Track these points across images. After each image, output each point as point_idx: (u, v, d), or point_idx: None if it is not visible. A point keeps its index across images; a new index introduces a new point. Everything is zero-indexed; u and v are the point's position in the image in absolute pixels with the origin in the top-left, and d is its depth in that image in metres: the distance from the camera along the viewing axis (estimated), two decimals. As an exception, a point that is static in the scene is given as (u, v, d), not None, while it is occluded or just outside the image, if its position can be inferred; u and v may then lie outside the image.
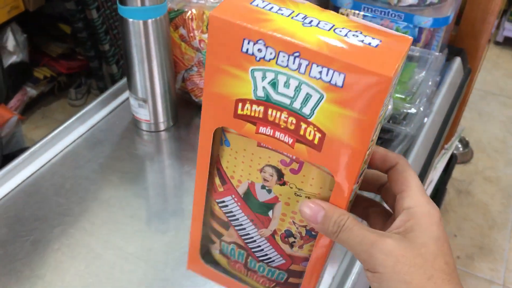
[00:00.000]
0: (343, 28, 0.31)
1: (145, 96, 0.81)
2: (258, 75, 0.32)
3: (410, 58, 0.84)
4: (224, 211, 0.41)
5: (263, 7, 0.32)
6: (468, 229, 1.80)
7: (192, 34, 0.80)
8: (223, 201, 0.40)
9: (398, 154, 0.37)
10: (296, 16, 0.31)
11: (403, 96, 0.76)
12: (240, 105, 0.34)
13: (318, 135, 0.32)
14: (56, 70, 2.16)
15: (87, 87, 2.27)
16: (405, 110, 0.74)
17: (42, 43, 2.15)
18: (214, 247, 0.44)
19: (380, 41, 0.30)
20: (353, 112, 0.30)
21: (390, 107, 0.68)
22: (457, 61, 1.02)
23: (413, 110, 0.73)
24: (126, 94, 0.93)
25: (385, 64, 0.29)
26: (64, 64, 2.15)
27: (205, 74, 0.34)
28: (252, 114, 0.34)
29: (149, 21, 0.74)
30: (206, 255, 0.45)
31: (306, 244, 0.39)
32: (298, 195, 0.36)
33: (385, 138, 0.79)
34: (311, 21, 0.31)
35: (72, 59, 2.18)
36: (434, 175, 1.13)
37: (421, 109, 0.74)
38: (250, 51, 0.31)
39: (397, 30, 0.87)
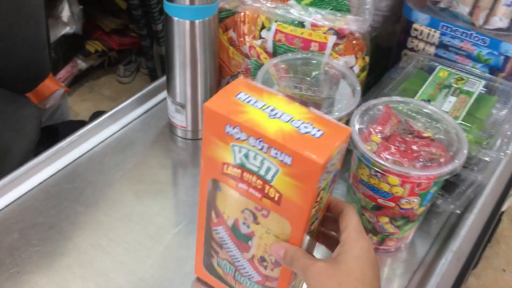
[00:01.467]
0: (298, 120, 0.43)
1: (183, 101, 0.74)
2: (236, 149, 0.45)
3: (490, 91, 0.72)
4: (218, 236, 0.54)
5: (243, 100, 0.45)
6: (520, 265, 1.65)
7: (242, 39, 0.71)
8: (217, 229, 0.53)
9: (345, 202, 0.50)
10: (266, 108, 0.44)
11: (478, 137, 0.65)
12: (225, 166, 0.47)
13: (277, 194, 0.45)
14: (108, 45, 2.12)
15: (137, 65, 2.23)
16: (478, 156, 0.63)
17: (96, 17, 2.12)
18: (214, 260, 0.57)
19: (323, 132, 0.42)
20: (299, 182, 0.43)
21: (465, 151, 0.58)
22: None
23: (487, 158, 0.62)
24: (165, 93, 0.86)
25: (320, 152, 0.41)
26: (116, 40, 2.12)
27: (202, 142, 0.47)
28: (233, 174, 0.47)
29: (197, 21, 0.66)
30: (209, 267, 0.58)
31: (276, 268, 0.51)
32: (268, 233, 0.49)
33: (450, 181, 0.68)
34: (276, 113, 0.44)
35: (125, 35, 2.14)
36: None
37: (501, 155, 0.63)
38: (230, 133, 0.44)
39: (478, 56, 0.75)
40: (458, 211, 0.65)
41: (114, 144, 0.77)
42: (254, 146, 0.43)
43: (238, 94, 0.45)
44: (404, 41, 0.81)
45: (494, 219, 0.77)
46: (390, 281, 0.63)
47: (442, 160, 0.57)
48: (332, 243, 0.51)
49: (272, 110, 0.43)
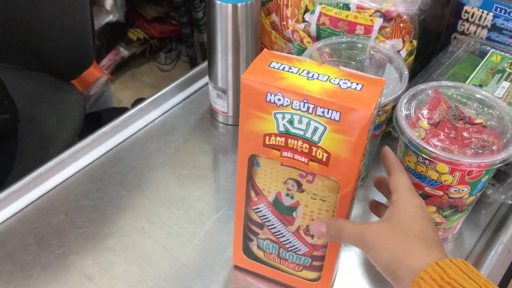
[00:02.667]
0: (335, 78, 0.44)
1: (225, 86, 0.73)
2: (279, 116, 0.45)
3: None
4: (259, 215, 0.54)
5: (278, 68, 0.45)
6: None
7: (285, 23, 0.70)
8: (258, 207, 0.54)
9: (393, 161, 0.51)
10: (302, 72, 0.45)
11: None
12: (267, 138, 0.47)
13: (325, 155, 0.46)
14: (149, 33, 2.14)
15: (177, 53, 2.25)
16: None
17: (138, 5, 2.14)
18: (252, 244, 0.57)
19: (362, 85, 0.44)
20: (348, 137, 0.44)
21: None
22: None
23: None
24: (206, 79, 0.86)
25: (367, 103, 0.42)
26: (157, 28, 2.13)
27: (240, 117, 0.47)
28: (276, 143, 0.47)
29: (239, 4, 0.65)
30: (247, 252, 0.58)
31: None
32: (314, 199, 0.50)
33: (501, 170, 0.65)
34: (313, 75, 0.45)
35: (166, 23, 2.16)
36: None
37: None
38: (272, 101, 0.45)
39: (533, 39, 0.71)
40: (510, 202, 0.62)
41: (156, 130, 0.78)
42: (298, 109, 0.44)
43: (270, 64, 0.46)
44: (454, 24, 0.78)
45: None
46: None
47: (494, 147, 0.55)
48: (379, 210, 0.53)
49: (308, 73, 0.45)
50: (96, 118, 1.61)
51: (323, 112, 0.43)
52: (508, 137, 0.55)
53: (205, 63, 0.86)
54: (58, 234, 0.63)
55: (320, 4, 0.66)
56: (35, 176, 0.68)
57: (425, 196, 0.58)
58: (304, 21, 0.69)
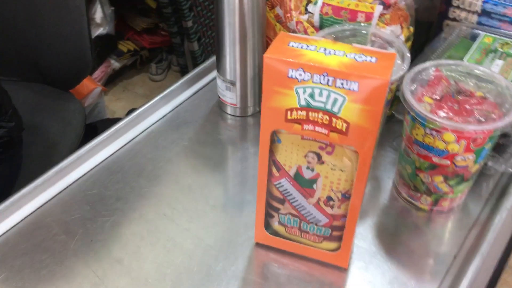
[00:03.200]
0: (351, 53, 0.48)
1: (233, 78, 0.77)
2: (300, 91, 0.49)
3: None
4: (280, 190, 0.57)
5: (297, 47, 0.49)
6: None
7: (289, 15, 0.74)
8: (280, 183, 0.57)
9: None
10: (319, 49, 0.49)
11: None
12: (289, 112, 0.51)
13: (345, 125, 0.49)
14: (139, 44, 2.18)
15: (168, 63, 2.28)
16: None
17: (127, 17, 2.17)
18: (273, 220, 0.61)
19: (376, 59, 0.48)
20: (367, 106, 0.47)
21: None
22: None
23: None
24: (212, 74, 0.89)
25: (383, 72, 0.46)
26: (147, 39, 2.17)
27: (262, 95, 0.51)
28: (298, 117, 0.51)
29: (246, -2, 0.69)
30: (267, 228, 0.61)
31: (342, 204, 0.56)
32: (333, 169, 0.53)
33: (500, 143, 0.70)
34: (330, 51, 0.48)
35: (155, 34, 2.19)
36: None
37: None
38: (293, 76, 0.48)
39: (521, 20, 0.76)
40: (511, 169, 0.66)
41: (168, 124, 0.80)
42: (319, 82, 0.48)
43: (289, 43, 0.50)
44: (445, 12, 0.83)
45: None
46: (445, 239, 0.65)
47: (495, 116, 0.59)
48: None
49: (325, 50, 0.48)
50: (92, 129, 1.62)
51: (342, 83, 0.47)
52: (507, 107, 0.59)
53: (210, 61, 0.89)
54: (84, 224, 0.65)
55: (323, -6, 0.70)
56: (56, 171, 0.70)
57: (433, 167, 0.62)
58: (307, 12, 0.73)
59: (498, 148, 0.70)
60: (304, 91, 0.49)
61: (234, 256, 0.62)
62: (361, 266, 0.61)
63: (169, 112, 0.82)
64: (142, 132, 0.79)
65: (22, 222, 0.66)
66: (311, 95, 0.49)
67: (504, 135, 0.66)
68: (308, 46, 0.49)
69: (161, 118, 0.81)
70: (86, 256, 0.61)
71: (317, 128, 0.51)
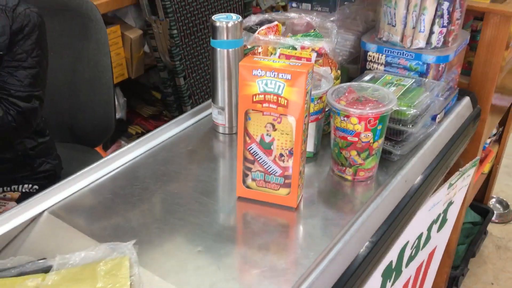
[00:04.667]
0: (287, 61, 0.86)
1: (223, 105, 1.15)
2: (260, 82, 0.86)
3: (419, 85, 1.13)
4: (251, 152, 0.92)
5: (257, 59, 0.87)
6: (505, 279, 1.91)
7: (259, 63, 1.14)
8: (251, 147, 0.92)
9: None
10: (270, 59, 0.87)
11: (407, 104, 1.04)
12: (254, 96, 0.87)
13: (285, 101, 0.85)
14: (146, 128, 2.59)
15: (169, 144, 2.67)
16: (409, 113, 1.02)
17: (136, 106, 2.61)
18: (248, 178, 0.94)
19: (301, 63, 0.87)
20: (296, 88, 0.84)
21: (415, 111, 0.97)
22: (466, 99, 1.29)
23: (415, 112, 1.01)
24: (207, 112, 1.27)
25: (303, 68, 0.84)
26: (152, 123, 2.58)
27: (239, 87, 0.89)
28: (259, 99, 0.87)
29: (231, 50, 1.10)
30: (244, 184, 0.94)
31: (289, 158, 0.90)
32: (282, 134, 0.89)
33: (398, 141, 1.06)
34: (275, 61, 0.87)
35: (159, 119, 2.61)
36: (456, 197, 1.35)
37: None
38: (256, 74, 0.86)
39: (410, 67, 1.17)
40: (401, 153, 1.02)
41: (178, 140, 1.17)
42: (270, 76, 0.85)
43: (254, 58, 0.88)
44: (364, 66, 1.24)
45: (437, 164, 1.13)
46: (359, 195, 0.99)
47: (381, 106, 0.96)
48: None
49: (273, 61, 0.87)
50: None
51: (282, 75, 0.84)
52: (386, 103, 0.97)
53: (205, 103, 1.28)
54: (151, 183, 0.99)
55: (279, 48, 1.11)
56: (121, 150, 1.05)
57: (349, 144, 0.98)
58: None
59: (397, 142, 1.06)
60: (262, 82, 0.86)
61: (228, 205, 0.95)
62: (306, 209, 0.94)
63: (178, 132, 1.19)
64: (157, 145, 1.15)
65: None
66: (266, 84, 0.86)
67: (400, 124, 1.03)
68: (263, 59, 0.88)
69: (172, 136, 1.18)
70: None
71: (271, 105, 0.87)
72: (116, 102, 2.46)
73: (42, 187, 0.98)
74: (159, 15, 2.13)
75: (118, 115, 2.46)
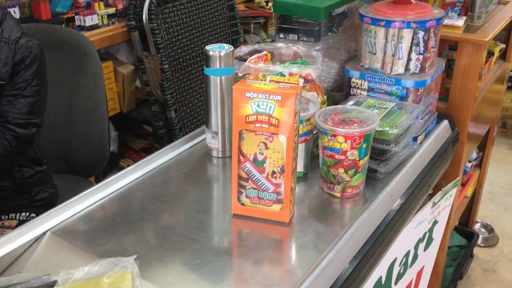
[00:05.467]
0: (277, 84, 0.95)
1: (216, 129, 1.21)
2: (252, 104, 0.92)
3: (400, 108, 1.20)
4: (245, 170, 0.97)
5: (250, 83, 0.95)
6: (493, 300, 1.95)
7: (250, 90, 1.21)
8: (245, 165, 0.98)
9: None
10: (262, 83, 0.94)
11: (389, 124, 1.11)
12: (247, 117, 0.93)
13: (276, 121, 0.92)
14: (137, 161, 2.63)
15: (160, 177, 2.71)
16: (392, 132, 1.09)
17: (128, 139, 2.66)
18: (242, 195, 1.00)
19: (291, 86, 0.93)
20: (286, 108, 0.91)
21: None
22: (445, 122, 1.37)
23: (397, 132, 1.08)
24: (201, 137, 1.33)
25: (293, 90, 0.91)
26: (144, 156, 2.62)
27: (232, 109, 0.95)
28: (252, 120, 0.93)
29: (223, 77, 1.17)
30: (239, 201, 1.00)
31: (281, 175, 0.96)
32: (273, 151, 0.95)
33: (382, 159, 1.13)
34: (267, 84, 0.94)
35: (150, 152, 2.65)
36: (440, 216, 1.41)
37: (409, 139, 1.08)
38: (248, 96, 0.92)
39: (391, 91, 1.25)
40: (386, 171, 1.09)
41: (174, 163, 1.22)
42: (262, 98, 0.91)
43: (247, 81, 0.94)
44: (348, 92, 1.32)
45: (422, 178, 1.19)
46: (347, 211, 1.04)
47: (364, 126, 1.03)
48: None
49: (265, 84, 0.93)
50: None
51: (273, 97, 0.91)
52: (369, 123, 1.04)
53: (199, 129, 1.34)
54: (149, 204, 1.03)
55: (269, 75, 1.18)
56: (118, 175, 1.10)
57: (337, 162, 1.04)
58: (260, 87, 1.20)
59: (382, 161, 1.13)
60: (254, 103, 0.93)
61: (223, 221, 1.00)
62: (298, 225, 0.99)
63: (174, 157, 1.24)
64: (154, 169, 1.20)
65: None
66: (258, 105, 0.93)
67: (384, 144, 1.10)
68: (256, 82, 0.95)
69: (168, 160, 1.23)
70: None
71: (263, 125, 0.94)
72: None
73: (39, 215, 1.02)
74: (151, 51, 2.22)
75: (110, 149, 2.51)
